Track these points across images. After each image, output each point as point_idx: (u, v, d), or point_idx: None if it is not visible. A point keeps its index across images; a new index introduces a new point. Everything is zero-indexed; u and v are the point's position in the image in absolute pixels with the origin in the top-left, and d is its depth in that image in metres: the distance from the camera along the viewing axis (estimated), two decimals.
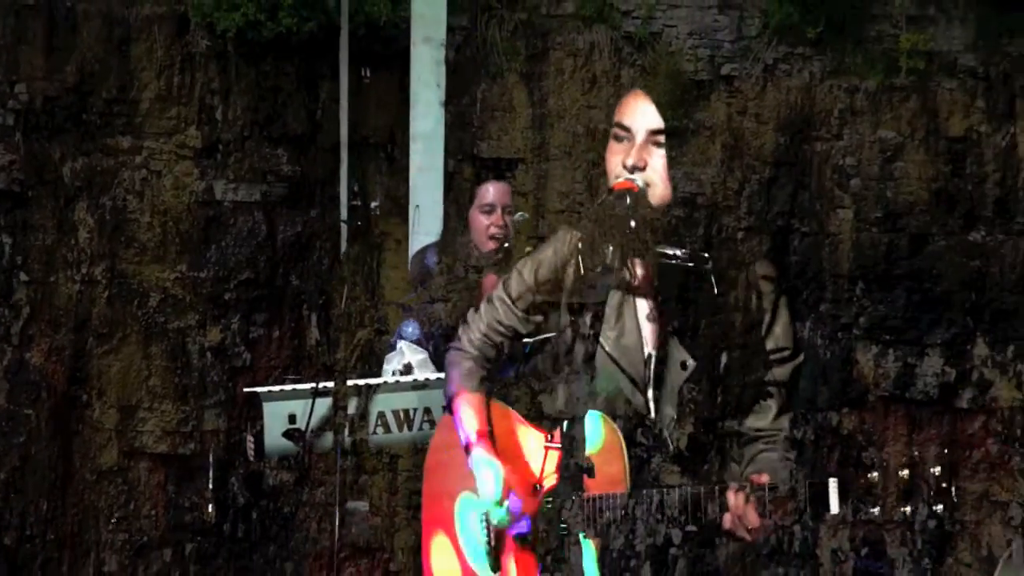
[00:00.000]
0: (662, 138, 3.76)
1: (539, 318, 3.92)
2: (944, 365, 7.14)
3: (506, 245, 6.09)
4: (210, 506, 7.67)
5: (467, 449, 3.89)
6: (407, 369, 5.73)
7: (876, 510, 3.27)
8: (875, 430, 7.22)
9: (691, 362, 3.78)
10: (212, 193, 7.68)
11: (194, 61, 7.70)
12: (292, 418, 5.45)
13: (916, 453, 7.09)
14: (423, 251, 6.67)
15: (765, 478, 3.42)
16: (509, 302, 3.95)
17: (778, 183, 7.35)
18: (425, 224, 7.44)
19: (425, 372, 5.67)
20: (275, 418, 5.47)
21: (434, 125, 7.72)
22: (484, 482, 3.82)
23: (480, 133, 7.75)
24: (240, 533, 7.53)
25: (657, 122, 3.79)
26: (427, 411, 5.55)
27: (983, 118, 7.49)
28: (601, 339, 3.78)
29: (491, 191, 6.26)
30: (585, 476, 3.42)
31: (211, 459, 7.67)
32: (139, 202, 7.62)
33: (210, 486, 7.66)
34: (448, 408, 4.06)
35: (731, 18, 7.72)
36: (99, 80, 7.62)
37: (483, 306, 4.03)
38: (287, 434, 5.45)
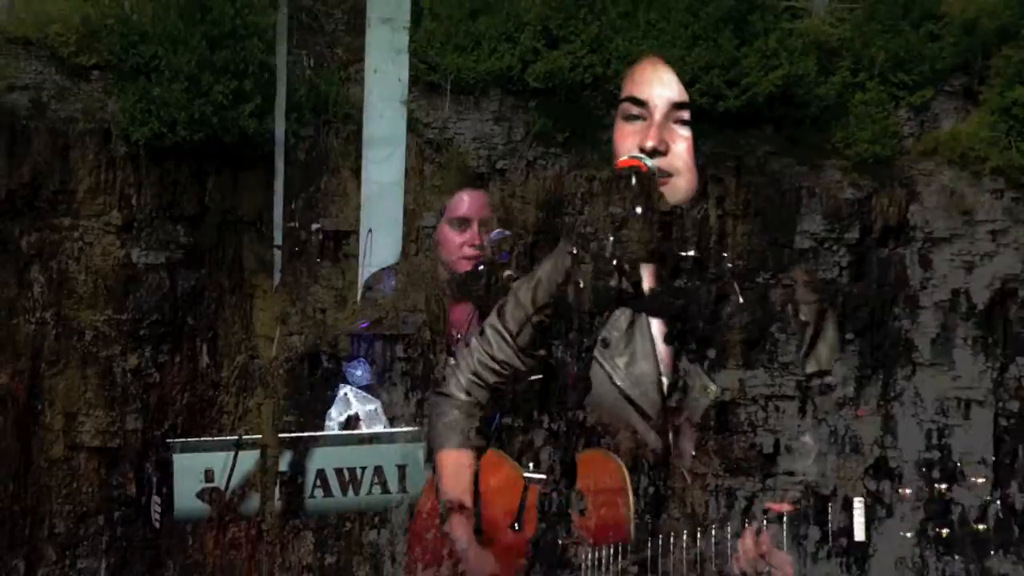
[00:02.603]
0: (687, 114, 3.12)
1: (541, 352, 3.21)
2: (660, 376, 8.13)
3: (481, 268, 4.67)
4: (130, 484, 8.36)
5: (441, 519, 3.17)
6: (352, 422, 4.54)
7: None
8: (610, 423, 8.16)
9: (714, 388, 3.09)
10: (130, 258, 8.37)
11: (115, 163, 8.31)
12: (209, 475, 4.19)
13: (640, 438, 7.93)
14: (378, 275, 5.44)
15: (786, 506, 2.77)
16: (504, 332, 3.24)
17: (538, 246, 7.87)
18: (380, 252, 6.05)
19: (375, 426, 4.48)
20: (188, 474, 4.20)
21: (393, 129, 6.22)
22: (470, 570, 3.07)
23: (324, 212, 8.41)
24: (148, 504, 8.04)
25: (680, 95, 3.10)
26: (377, 471, 4.23)
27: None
28: (608, 368, 3.11)
29: (466, 201, 4.91)
30: (576, 515, 2.90)
31: (132, 450, 8.33)
32: (77, 265, 8.30)
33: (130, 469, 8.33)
34: (430, 465, 3.29)
35: (503, 127, 8.28)
36: (46, 177, 8.26)
37: (474, 340, 3.30)
38: (202, 494, 4.22)
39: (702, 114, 8.13)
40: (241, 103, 8.04)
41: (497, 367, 3.25)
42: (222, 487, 4.22)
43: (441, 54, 8.23)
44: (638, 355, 3.13)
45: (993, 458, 8.96)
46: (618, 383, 3.11)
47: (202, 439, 5.00)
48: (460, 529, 3.14)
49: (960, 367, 9.00)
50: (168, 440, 5.37)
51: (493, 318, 3.31)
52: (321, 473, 4.28)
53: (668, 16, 8.67)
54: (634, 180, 3.00)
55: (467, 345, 3.34)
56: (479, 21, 8.03)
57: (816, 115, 8.85)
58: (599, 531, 2.95)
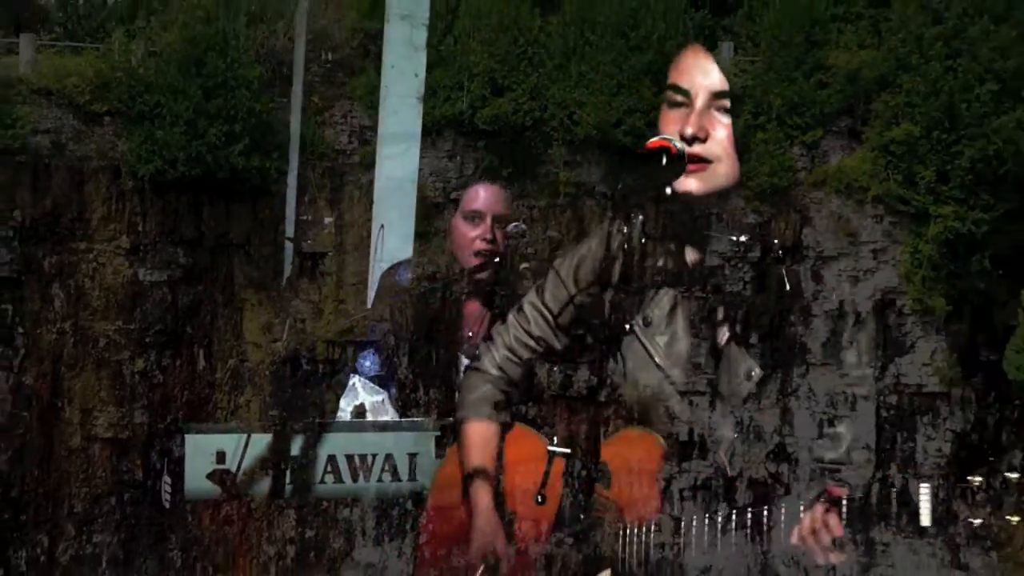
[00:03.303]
0: (728, 103, 2.99)
1: (580, 331, 3.03)
2: (590, 375, 8.15)
3: (496, 260, 4.23)
4: (138, 470, 8.97)
5: (465, 486, 2.94)
6: (360, 412, 4.13)
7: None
8: (549, 416, 7.88)
9: (757, 371, 2.99)
10: (137, 276, 9.00)
11: (124, 195, 8.98)
12: (221, 456, 3.73)
13: (574, 428, 7.91)
14: (394, 269, 4.97)
15: (844, 491, 2.65)
16: (544, 310, 3.04)
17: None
18: (391, 249, 5.50)
19: (382, 417, 4.12)
20: (199, 454, 3.76)
21: (408, 125, 5.61)
22: (477, 534, 2.85)
23: (303, 236, 9.12)
24: (157, 486, 7.83)
25: (721, 83, 2.98)
26: (389, 459, 3.82)
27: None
28: (649, 347, 2.94)
29: (481, 194, 4.40)
30: (598, 486, 2.75)
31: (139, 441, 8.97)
32: (92, 283, 8.92)
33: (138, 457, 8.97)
34: (455, 436, 3.05)
35: (456, 163, 9.00)
36: (65, 207, 8.90)
37: (511, 315, 3.08)
38: (213, 475, 3.77)
39: (626, 151, 9.01)
40: (232, 144, 8.81)
41: (533, 344, 3.03)
42: (233, 469, 3.76)
43: None
44: (680, 335, 2.93)
45: (875, 444, 9.53)
46: (658, 362, 2.91)
47: (214, 423, 5.07)
48: (480, 496, 2.87)
49: (846, 366, 9.56)
50: (180, 424, 5.35)
51: (532, 295, 3.04)
52: (332, 459, 3.86)
53: (597, 68, 9.38)
54: (664, 160, 2.79)
55: (504, 322, 3.05)
56: (434, 73, 8.37)
57: None
58: (632, 508, 2.74)
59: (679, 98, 2.94)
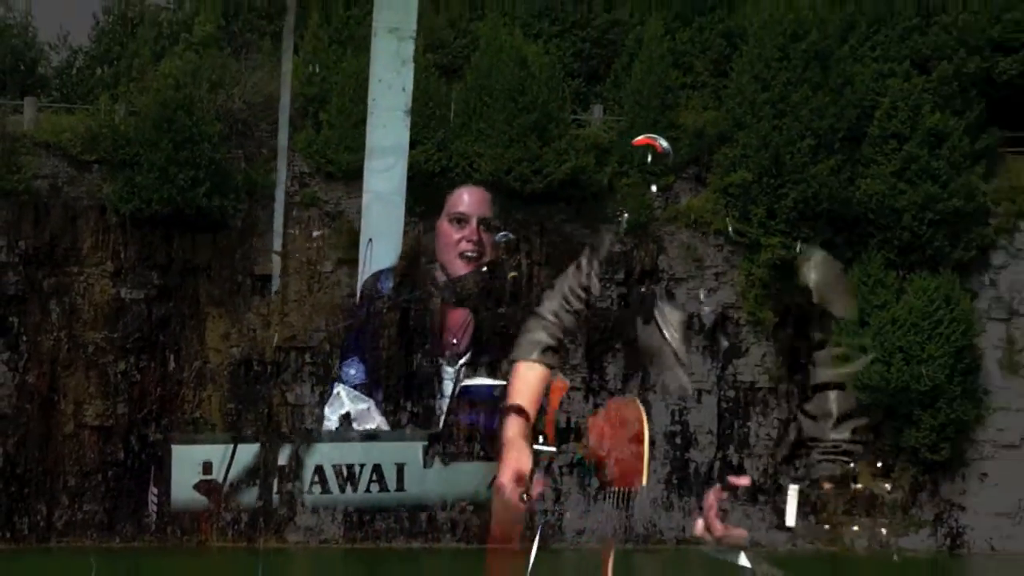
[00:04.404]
0: None
1: (624, 289, 2.99)
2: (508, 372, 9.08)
3: (484, 268, 3.95)
4: (120, 452, 10.29)
5: (501, 419, 2.59)
6: (346, 421, 3.81)
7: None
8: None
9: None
10: (119, 295, 10.43)
11: (109, 228, 10.40)
12: (207, 467, 3.61)
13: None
14: (376, 276, 4.69)
15: (745, 480, 2.32)
16: (598, 267, 2.76)
17: (403, 284, 9.89)
18: (379, 261, 5.01)
19: (368, 425, 3.79)
20: (186, 466, 3.64)
21: (396, 139, 5.20)
22: (505, 466, 2.49)
23: (254, 262, 10.55)
24: (137, 464, 10.04)
25: None
26: (376, 469, 3.64)
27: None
28: (660, 322, 2.74)
29: (465, 198, 4.18)
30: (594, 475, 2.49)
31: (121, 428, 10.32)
32: (83, 300, 10.37)
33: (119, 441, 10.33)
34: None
35: None
36: (60, 238, 10.34)
37: (571, 269, 2.77)
38: (200, 486, 3.64)
39: (514, 193, 10.73)
40: (197, 187, 10.29)
41: (583, 294, 2.74)
42: (219, 479, 3.58)
43: (336, 152, 10.58)
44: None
45: (717, 429, 11.34)
46: (667, 334, 2.76)
47: (200, 434, 5.30)
48: (511, 429, 2.58)
49: (695, 367, 11.18)
50: (168, 432, 5.83)
51: (588, 252, 2.79)
52: (319, 469, 3.65)
53: (493, 126, 11.04)
54: (649, 159, 2.58)
55: (564, 274, 2.77)
56: (361, 129, 8.70)
57: (595, 193, 10.98)
58: (616, 477, 2.57)
59: None
